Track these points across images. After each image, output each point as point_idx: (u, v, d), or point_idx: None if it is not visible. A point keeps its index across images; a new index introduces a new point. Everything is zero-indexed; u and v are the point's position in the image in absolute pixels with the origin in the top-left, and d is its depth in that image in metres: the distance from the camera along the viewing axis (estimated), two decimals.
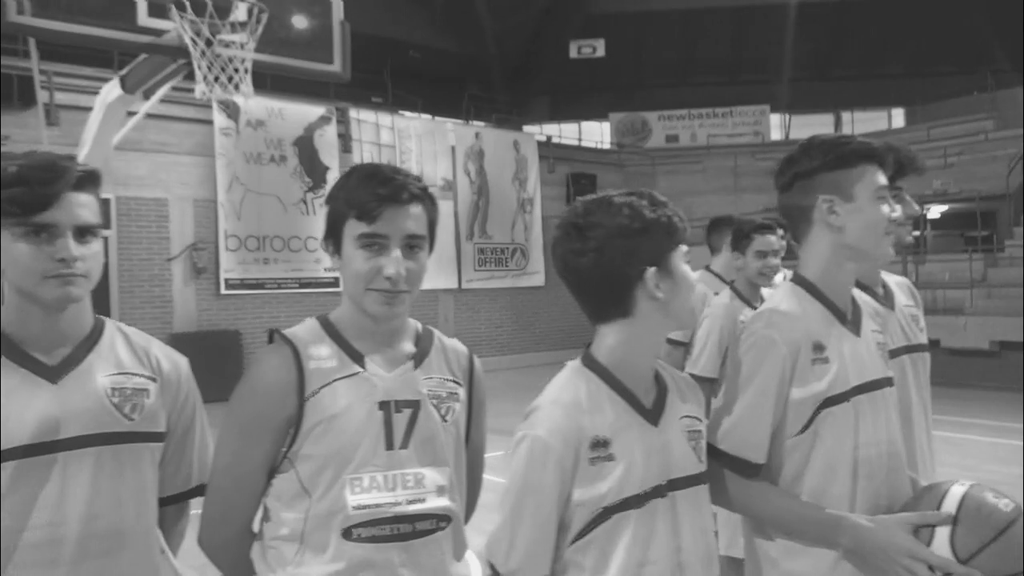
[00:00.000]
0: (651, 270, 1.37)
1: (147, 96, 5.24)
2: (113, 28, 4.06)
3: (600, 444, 1.33)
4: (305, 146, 12.81)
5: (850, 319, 1.63)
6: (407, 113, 15.27)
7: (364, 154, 13.60)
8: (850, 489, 1.52)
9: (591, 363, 1.43)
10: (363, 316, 1.44)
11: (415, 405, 1.43)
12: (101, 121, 5.68)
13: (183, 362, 1.58)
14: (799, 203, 1.63)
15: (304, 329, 1.46)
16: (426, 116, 15.53)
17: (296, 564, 1.36)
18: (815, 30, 21.91)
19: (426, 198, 1.42)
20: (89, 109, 10.58)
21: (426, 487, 1.41)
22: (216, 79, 4.01)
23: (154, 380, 1.49)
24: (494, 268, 15.47)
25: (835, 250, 1.60)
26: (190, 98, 8.72)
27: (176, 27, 4.16)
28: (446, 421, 1.47)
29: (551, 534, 1.32)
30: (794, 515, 1.52)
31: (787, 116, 24.79)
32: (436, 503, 1.41)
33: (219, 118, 11.90)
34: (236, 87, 4.05)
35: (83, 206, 1.36)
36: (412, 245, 1.41)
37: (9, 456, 1.32)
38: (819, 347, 1.54)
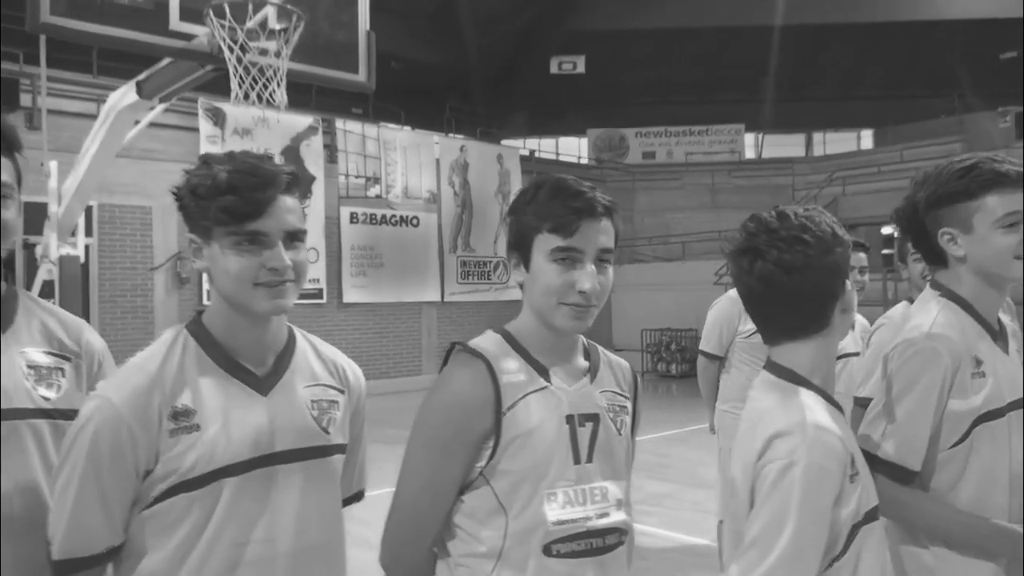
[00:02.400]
0: (848, 284, 1.37)
1: (163, 102, 5.15)
2: (145, 31, 3.97)
3: (852, 462, 1.33)
4: (292, 156, 12.66)
5: (1000, 337, 1.65)
6: (390, 125, 15.22)
7: (349, 165, 13.52)
8: (1007, 503, 1.53)
9: (801, 380, 1.39)
10: (547, 330, 1.41)
11: (595, 419, 1.41)
12: (109, 127, 5.55)
13: (360, 372, 1.55)
14: (924, 233, 1.66)
15: (489, 342, 1.43)
16: (407, 127, 15.49)
17: None
18: (789, 52, 22.36)
19: (615, 212, 1.40)
20: (73, 114, 10.45)
21: (609, 500, 1.39)
22: (252, 87, 3.94)
23: (342, 392, 1.46)
24: (477, 281, 15.43)
25: (974, 274, 1.63)
26: (177, 105, 8.59)
27: (208, 33, 4.08)
28: (620, 435, 1.45)
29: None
30: (955, 523, 1.52)
31: (760, 135, 25.25)
32: (618, 517, 1.39)
33: (205, 125, 11.73)
34: (271, 96, 3.99)
35: (291, 211, 1.31)
36: (603, 259, 1.39)
37: (233, 471, 1.28)
38: (978, 361, 1.57)
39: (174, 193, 1.33)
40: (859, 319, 3.61)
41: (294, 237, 1.32)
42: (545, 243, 1.37)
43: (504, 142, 19.33)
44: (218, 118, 11.84)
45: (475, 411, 1.34)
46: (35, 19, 3.66)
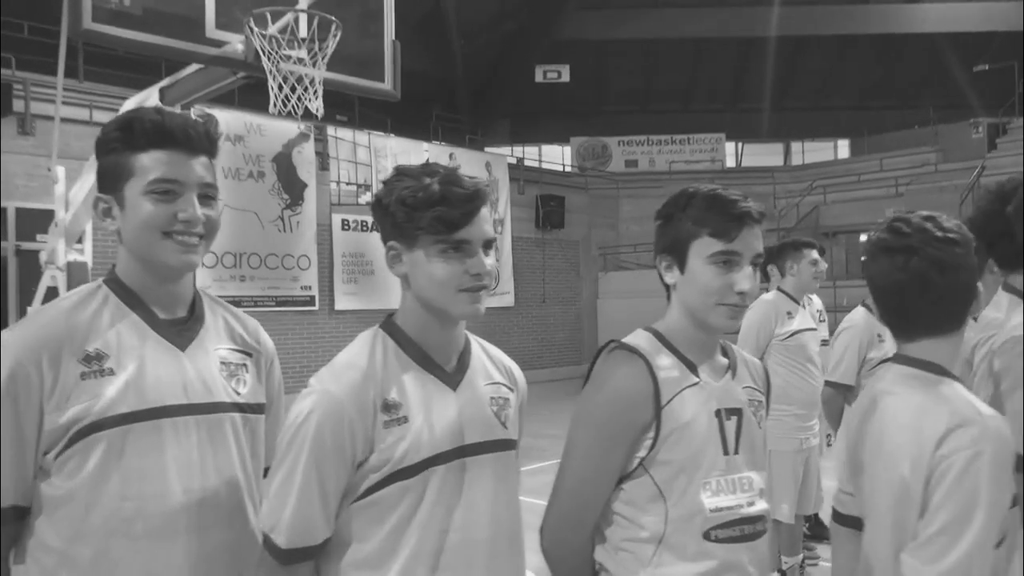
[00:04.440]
0: (979, 285, 1.48)
1: (184, 109, 5.17)
2: (182, 39, 4.00)
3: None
4: (283, 163, 12.65)
5: None
6: (377, 132, 15.23)
7: (341, 172, 13.52)
8: None
9: (947, 374, 1.47)
10: (697, 328, 1.51)
11: (739, 413, 1.51)
12: None
13: (521, 372, 1.62)
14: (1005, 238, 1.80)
15: (642, 340, 1.52)
16: (393, 135, 15.52)
17: (656, 565, 1.41)
18: (767, 63, 22.76)
19: (763, 220, 1.50)
20: (63, 119, 10.33)
21: (754, 490, 1.49)
22: (290, 95, 3.98)
23: (512, 390, 1.53)
24: None
25: None
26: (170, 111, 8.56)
27: (243, 41, 4.12)
28: (759, 427, 1.55)
29: None
30: None
31: (739, 144, 25.61)
32: (762, 505, 1.49)
33: None
34: (310, 105, 4.03)
35: (487, 221, 1.39)
36: (755, 263, 1.49)
37: (438, 461, 1.34)
38: None
39: (375, 203, 1.40)
40: (816, 300, 4.70)
41: (489, 245, 1.39)
42: (704, 247, 1.46)
43: (488, 149, 19.42)
44: (211, 124, 11.78)
45: (637, 405, 1.43)
46: (76, 26, 3.67)
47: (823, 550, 4.89)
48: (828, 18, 21.67)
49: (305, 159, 12.96)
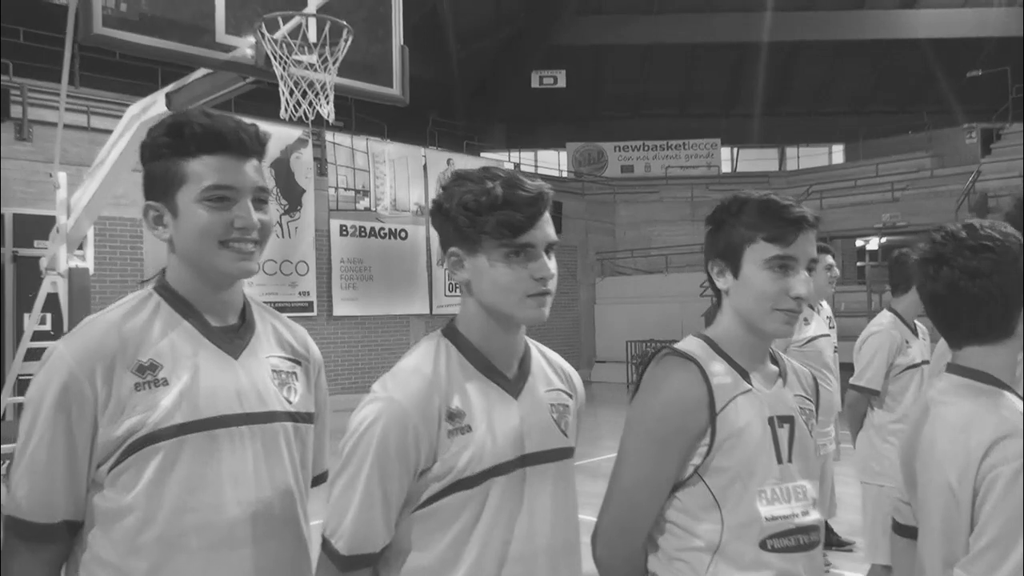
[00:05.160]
0: None
1: None
2: (192, 44, 3.96)
3: None
4: (282, 168, 12.60)
5: None
6: (374, 138, 15.22)
7: (339, 178, 13.48)
8: None
9: (999, 383, 1.45)
10: (750, 335, 1.49)
11: (791, 420, 1.49)
12: (131, 139, 5.51)
13: (580, 378, 1.60)
14: None
15: (695, 346, 1.50)
16: (390, 140, 15.51)
17: (712, 574, 1.38)
18: (762, 69, 22.85)
19: (818, 225, 1.49)
20: (66, 125, 10.29)
21: (808, 499, 1.47)
22: (301, 100, 3.96)
23: (571, 396, 1.50)
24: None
25: None
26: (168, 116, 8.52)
27: (253, 46, 4.10)
28: (811, 437, 1.52)
29: None
30: None
31: (734, 150, 25.70)
32: (815, 515, 1.47)
33: None
34: (321, 109, 4.00)
35: (550, 224, 1.35)
36: (811, 268, 1.48)
37: (500, 471, 1.32)
38: None
39: (435, 208, 1.37)
40: (825, 306, 4.34)
41: (551, 248, 1.36)
42: (760, 252, 1.45)
43: (483, 155, 19.43)
44: None
45: (692, 411, 1.41)
46: (87, 30, 3.63)
47: (833, 557, 4.88)
48: (823, 24, 21.79)
49: (303, 165, 12.92)
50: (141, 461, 1.29)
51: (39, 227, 9.28)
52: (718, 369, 1.45)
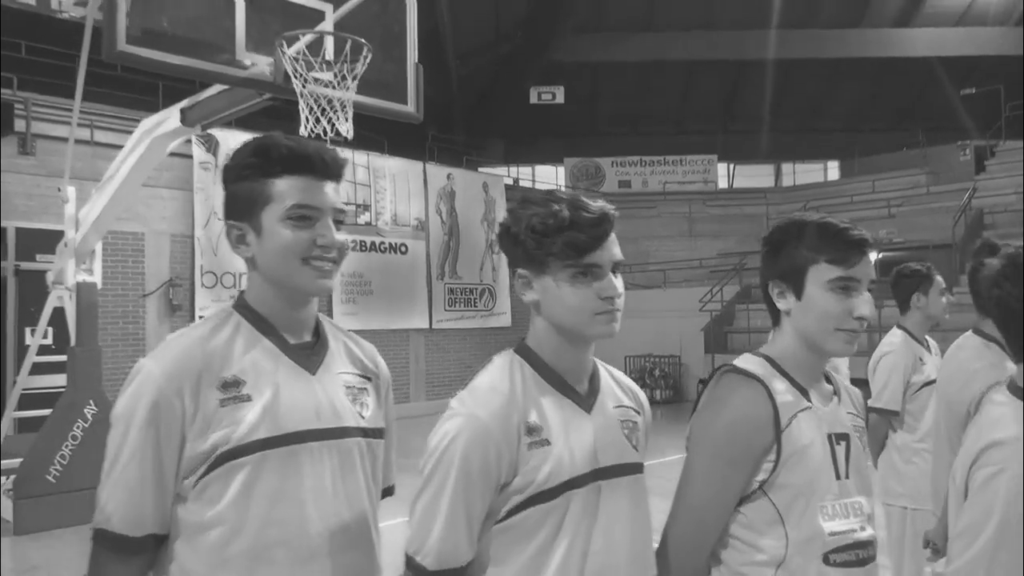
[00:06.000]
0: None
1: (204, 130, 5.16)
2: (215, 61, 4.01)
3: None
4: None
5: None
6: (372, 153, 15.26)
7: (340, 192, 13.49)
8: None
9: None
10: (811, 354, 1.53)
11: (847, 438, 1.53)
12: (143, 154, 5.53)
13: (645, 397, 1.63)
14: None
15: (755, 365, 1.54)
16: (388, 155, 15.56)
17: None
18: (757, 86, 23.02)
19: (876, 249, 1.52)
20: (62, 139, 10.30)
21: (864, 514, 1.50)
22: (321, 117, 3.99)
23: (639, 413, 1.53)
24: (464, 308, 15.47)
25: None
26: None
27: (271, 63, 4.14)
28: (865, 453, 1.55)
29: None
30: None
31: (731, 166, 25.84)
32: (871, 531, 1.50)
33: (198, 151, 11.66)
34: (340, 127, 4.04)
35: (615, 243, 1.39)
36: (871, 290, 1.52)
37: (577, 483, 1.34)
38: None
39: (502, 231, 1.40)
40: (932, 343, 3.75)
41: (618, 267, 1.39)
42: (823, 273, 1.49)
43: (481, 169, 19.49)
44: (210, 144, 11.78)
45: (758, 428, 1.44)
46: (111, 47, 3.68)
47: None
48: (819, 42, 21.97)
49: None
50: (226, 475, 1.32)
51: (42, 241, 9.29)
52: (780, 387, 1.49)
